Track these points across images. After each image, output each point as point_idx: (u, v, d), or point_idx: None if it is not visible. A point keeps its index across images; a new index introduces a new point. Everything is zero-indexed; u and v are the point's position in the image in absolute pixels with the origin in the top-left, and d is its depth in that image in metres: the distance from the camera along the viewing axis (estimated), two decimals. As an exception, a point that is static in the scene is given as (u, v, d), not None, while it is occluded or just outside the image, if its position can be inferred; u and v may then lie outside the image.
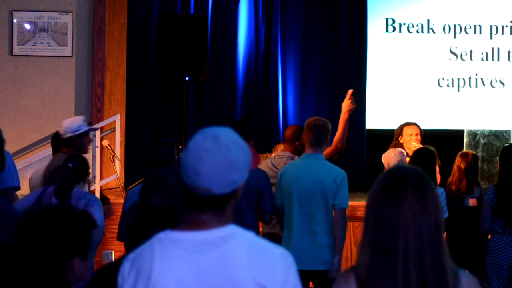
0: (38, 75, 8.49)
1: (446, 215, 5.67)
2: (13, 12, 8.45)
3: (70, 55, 8.52)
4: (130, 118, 8.78)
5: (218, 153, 2.03)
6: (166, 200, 2.68)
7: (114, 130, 8.34)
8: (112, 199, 7.33)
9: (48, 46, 8.49)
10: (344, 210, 5.27)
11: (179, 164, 2.08)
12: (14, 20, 8.45)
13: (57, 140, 5.71)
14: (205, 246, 2.02)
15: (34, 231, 2.34)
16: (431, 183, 2.09)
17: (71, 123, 5.60)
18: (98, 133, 8.12)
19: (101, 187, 8.02)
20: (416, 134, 6.89)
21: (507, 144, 7.01)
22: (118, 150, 8.26)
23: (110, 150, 7.70)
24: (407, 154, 6.48)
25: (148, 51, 8.96)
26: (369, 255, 2.06)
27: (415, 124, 7.04)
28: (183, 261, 2.02)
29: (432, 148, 6.10)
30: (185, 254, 2.02)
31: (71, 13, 8.51)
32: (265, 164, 6.02)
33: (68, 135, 5.55)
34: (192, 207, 2.08)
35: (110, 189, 8.34)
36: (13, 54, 8.46)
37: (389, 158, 6.24)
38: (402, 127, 7.03)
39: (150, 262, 2.04)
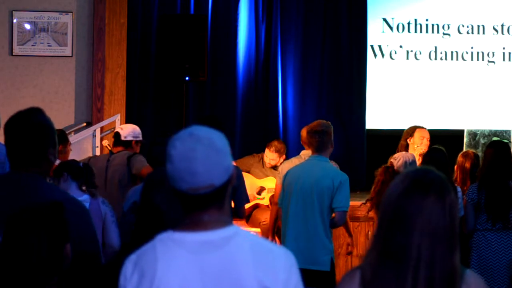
0: (38, 75, 8.49)
1: (462, 213, 5.69)
2: (13, 12, 8.45)
3: (70, 55, 8.51)
4: (130, 118, 8.77)
5: (204, 147, 2.03)
6: (167, 200, 2.68)
7: (114, 130, 8.32)
8: (112, 199, 7.33)
9: (48, 46, 8.48)
10: (344, 213, 5.29)
11: (169, 177, 2.07)
12: (14, 20, 8.44)
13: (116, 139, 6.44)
14: (208, 247, 2.02)
15: (26, 228, 2.36)
16: (451, 190, 2.07)
17: (134, 129, 6.42)
18: (98, 133, 8.12)
19: (101, 187, 8.02)
20: (427, 139, 6.97)
21: (495, 139, 6.96)
22: (118, 150, 8.25)
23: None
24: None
25: (148, 51, 8.96)
26: (378, 255, 2.04)
27: (426, 129, 7.15)
28: (186, 261, 2.02)
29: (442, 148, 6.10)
30: (189, 255, 2.02)
31: (71, 13, 8.51)
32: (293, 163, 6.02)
33: (129, 138, 6.39)
34: (192, 211, 2.07)
35: (110, 189, 8.33)
36: (13, 54, 8.46)
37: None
38: (414, 129, 7.11)
39: (153, 262, 2.03)
